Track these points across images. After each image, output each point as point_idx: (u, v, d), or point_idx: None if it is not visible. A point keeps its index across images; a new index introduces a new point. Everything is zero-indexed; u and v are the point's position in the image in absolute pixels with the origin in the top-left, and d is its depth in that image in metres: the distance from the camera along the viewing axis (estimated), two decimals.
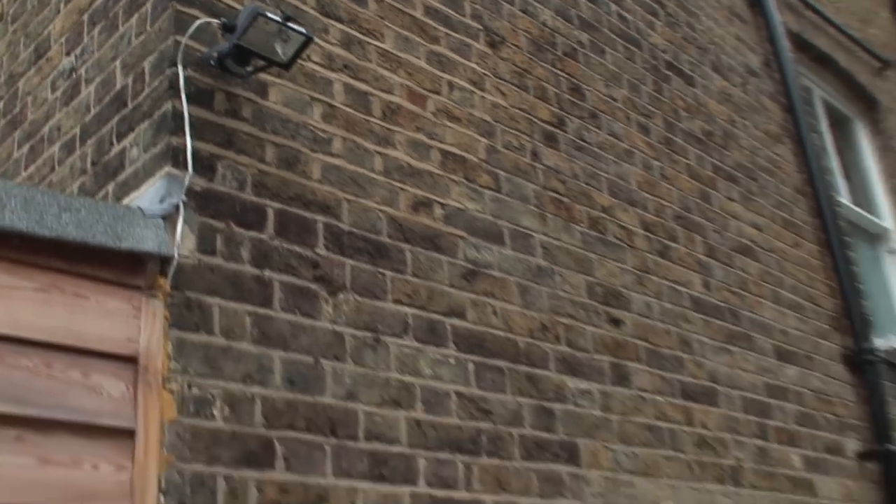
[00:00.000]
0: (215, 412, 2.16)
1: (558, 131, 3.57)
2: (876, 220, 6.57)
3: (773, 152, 5.09)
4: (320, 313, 2.47)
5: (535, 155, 3.41)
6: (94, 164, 2.61)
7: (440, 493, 2.57)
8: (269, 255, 2.42)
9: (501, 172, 3.22)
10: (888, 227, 6.64)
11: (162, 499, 2.00)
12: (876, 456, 4.66)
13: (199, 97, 2.39)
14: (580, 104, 3.75)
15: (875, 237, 6.55)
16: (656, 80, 4.31)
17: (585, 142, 3.69)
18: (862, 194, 6.67)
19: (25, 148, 3.02)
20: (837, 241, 5.21)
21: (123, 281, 2.13)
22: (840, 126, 6.70)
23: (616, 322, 3.44)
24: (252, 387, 2.25)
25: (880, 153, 6.88)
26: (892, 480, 4.64)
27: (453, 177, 3.03)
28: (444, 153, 3.04)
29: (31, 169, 2.93)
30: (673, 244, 3.95)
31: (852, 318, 5.02)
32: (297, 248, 2.49)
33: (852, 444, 4.62)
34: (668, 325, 3.72)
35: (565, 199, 3.45)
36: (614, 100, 3.97)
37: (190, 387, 2.13)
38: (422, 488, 2.53)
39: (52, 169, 2.80)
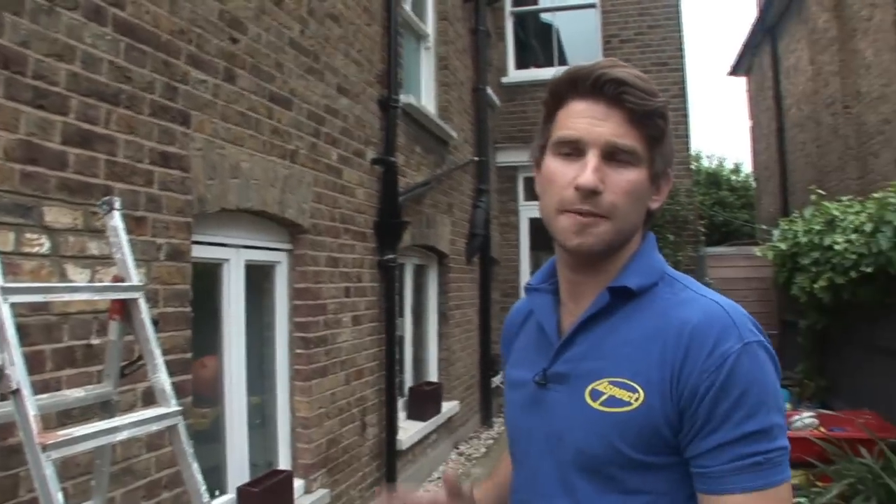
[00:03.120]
0: None
1: None
2: (423, 25, 6.86)
3: None
4: None
5: None
6: None
7: (85, 125, 2.52)
8: None
9: None
10: (429, 33, 6.98)
11: None
12: (382, 162, 5.06)
13: None
14: None
15: (421, 36, 6.85)
16: None
17: None
18: (419, 8, 6.89)
19: None
20: (395, 29, 5.37)
21: None
22: None
23: (234, 40, 3.40)
24: None
25: None
26: (387, 177, 5.10)
27: None
28: None
29: None
30: (286, 0, 3.89)
31: (390, 78, 5.25)
32: None
33: (370, 153, 4.97)
34: (270, 52, 3.71)
35: None
36: None
37: None
38: (72, 120, 2.47)
39: None
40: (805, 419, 5.53)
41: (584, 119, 1.09)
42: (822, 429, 5.36)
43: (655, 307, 1.11)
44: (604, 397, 1.07)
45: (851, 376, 6.61)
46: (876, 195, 5.86)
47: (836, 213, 6.25)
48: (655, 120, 1.10)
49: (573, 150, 1.10)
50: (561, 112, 1.13)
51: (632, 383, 1.05)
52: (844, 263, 5.63)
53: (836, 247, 5.75)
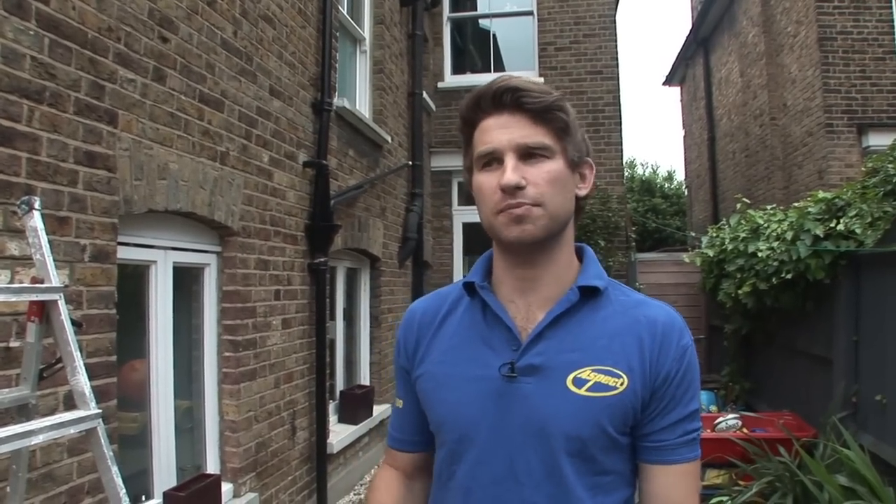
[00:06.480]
0: None
1: None
2: (360, 29, 6.93)
3: None
4: None
5: None
6: None
7: (6, 122, 2.46)
8: None
9: None
10: (365, 36, 7.05)
11: None
12: (314, 165, 5.10)
13: None
14: None
15: (357, 40, 6.92)
16: None
17: None
18: (356, 11, 6.96)
19: None
20: (330, 32, 5.42)
21: None
22: None
23: (164, 39, 3.39)
24: None
25: None
26: (319, 180, 5.13)
27: None
28: None
29: None
30: (219, 0, 3.91)
31: (324, 81, 5.30)
32: None
33: (302, 156, 5.01)
34: (202, 52, 3.72)
35: None
36: None
37: None
38: None
39: None
40: (729, 421, 5.78)
41: (493, 131, 1.21)
42: (744, 430, 5.62)
43: (615, 306, 1.27)
44: (589, 384, 1.19)
45: (773, 379, 6.92)
46: (797, 205, 6.17)
47: (760, 221, 6.55)
48: (555, 113, 1.21)
49: (493, 160, 1.21)
50: (476, 133, 1.26)
51: (615, 370, 1.19)
52: (767, 270, 5.91)
53: (760, 254, 6.02)
